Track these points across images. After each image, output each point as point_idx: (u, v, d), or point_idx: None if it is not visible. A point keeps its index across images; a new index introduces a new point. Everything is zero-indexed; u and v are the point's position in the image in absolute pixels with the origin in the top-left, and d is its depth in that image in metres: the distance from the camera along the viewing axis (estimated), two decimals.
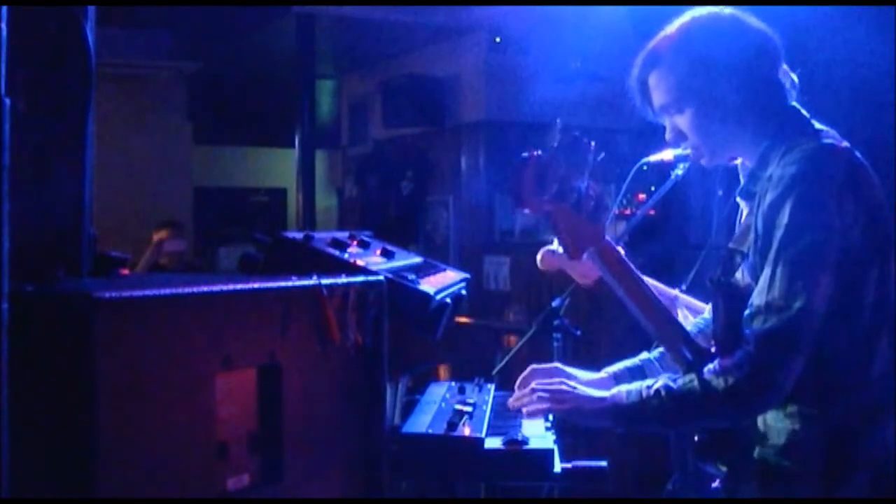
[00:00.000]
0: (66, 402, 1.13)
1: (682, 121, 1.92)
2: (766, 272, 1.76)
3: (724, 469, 1.93)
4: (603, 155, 1.95)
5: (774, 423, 1.83)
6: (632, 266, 1.94)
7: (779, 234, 1.75)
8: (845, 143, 1.85)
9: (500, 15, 6.82)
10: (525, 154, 1.84)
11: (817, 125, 1.90)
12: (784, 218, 1.74)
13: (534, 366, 2.20)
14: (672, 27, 1.95)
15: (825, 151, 1.80)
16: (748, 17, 1.92)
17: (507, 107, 7.18)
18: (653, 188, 2.79)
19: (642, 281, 1.94)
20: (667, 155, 2.36)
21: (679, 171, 2.53)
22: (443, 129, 7.68)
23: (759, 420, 1.86)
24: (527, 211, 1.90)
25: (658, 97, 1.94)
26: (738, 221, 2.00)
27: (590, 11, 5.97)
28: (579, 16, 6.08)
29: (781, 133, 1.86)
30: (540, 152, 1.85)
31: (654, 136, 2.16)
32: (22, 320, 1.08)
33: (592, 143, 1.93)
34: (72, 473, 1.13)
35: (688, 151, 2.03)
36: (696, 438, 1.93)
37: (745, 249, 1.85)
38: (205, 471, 1.31)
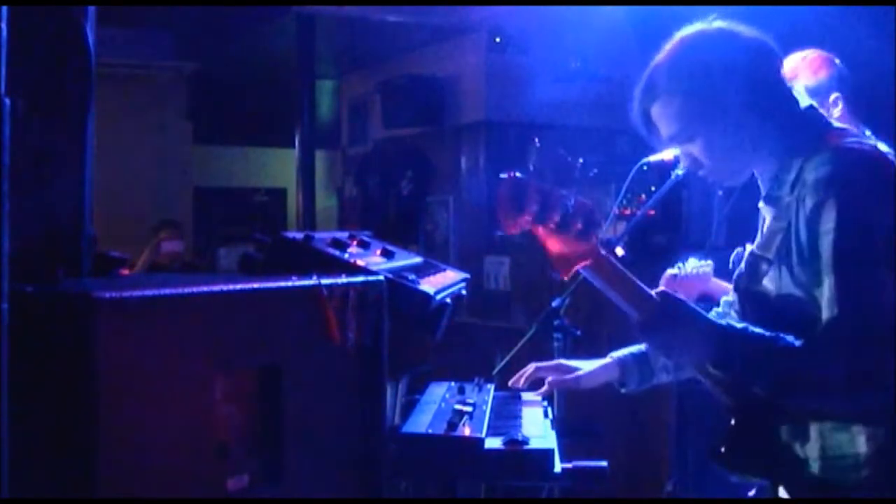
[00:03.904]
0: (66, 402, 1.13)
1: (695, 148, 1.86)
2: (828, 282, 1.68)
3: (756, 480, 1.86)
4: (596, 171, 1.91)
5: (834, 436, 1.75)
6: (629, 274, 1.84)
7: (828, 240, 1.69)
8: (870, 141, 1.80)
9: (500, 15, 6.82)
10: (503, 175, 1.76)
11: (836, 123, 1.84)
12: (829, 223, 1.68)
13: (535, 364, 2.19)
14: (662, 54, 1.89)
15: (856, 151, 1.74)
16: (736, 25, 1.87)
17: (507, 107, 7.18)
18: (653, 188, 2.80)
19: (642, 288, 1.83)
20: (667, 155, 2.36)
21: (679, 171, 2.54)
22: (443, 129, 7.68)
23: (815, 432, 1.77)
24: (500, 233, 1.82)
25: (664, 128, 1.88)
26: (760, 227, 1.92)
27: (590, 11, 5.98)
28: (579, 16, 6.08)
29: (800, 135, 1.81)
30: (518, 173, 1.76)
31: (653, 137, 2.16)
32: (22, 320, 1.08)
33: (580, 160, 1.89)
34: (72, 473, 1.13)
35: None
36: (722, 449, 1.82)
37: (771, 256, 1.79)
38: (205, 471, 1.31)
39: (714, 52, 1.83)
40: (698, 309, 1.76)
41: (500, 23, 7.04)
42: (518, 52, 7.17)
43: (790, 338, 1.68)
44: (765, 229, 1.88)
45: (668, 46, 1.89)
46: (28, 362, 1.10)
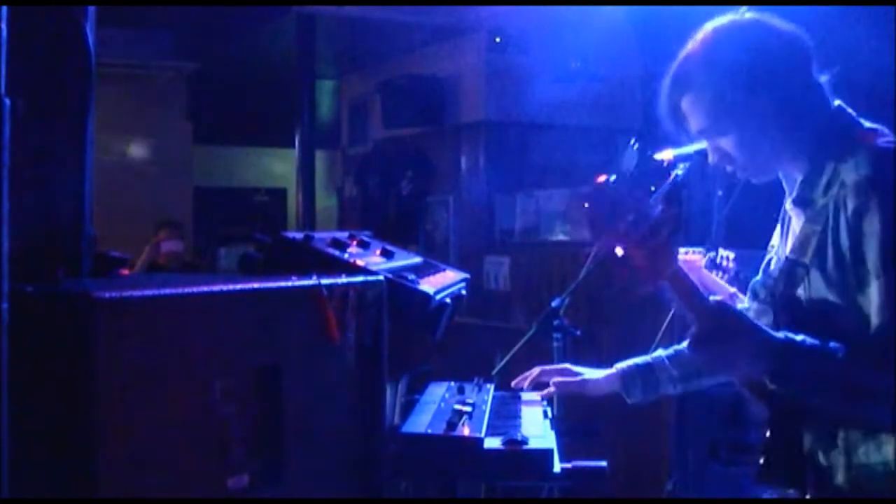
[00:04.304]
0: (66, 402, 1.13)
1: (726, 142, 1.81)
2: (875, 286, 1.64)
3: (790, 491, 1.80)
4: (678, 175, 1.79)
5: (860, 444, 1.71)
6: (695, 284, 1.73)
7: (874, 242, 1.64)
8: None
9: (500, 15, 6.83)
10: (601, 179, 1.66)
11: (867, 123, 1.80)
12: (875, 225, 1.63)
13: (540, 367, 2.17)
14: (694, 44, 1.83)
15: (894, 152, 1.70)
16: (770, 18, 1.81)
17: (507, 107, 7.19)
18: (653, 188, 2.80)
19: (704, 299, 1.71)
20: (667, 155, 2.36)
21: (679, 171, 2.53)
22: (443, 129, 7.68)
23: (841, 440, 1.73)
24: (599, 244, 1.68)
25: (695, 122, 1.82)
26: (788, 231, 1.88)
27: (590, 11, 5.98)
28: (579, 16, 6.08)
29: (831, 135, 1.77)
30: (614, 178, 1.68)
31: (654, 136, 2.15)
32: (22, 320, 1.08)
33: (665, 162, 1.77)
34: (72, 473, 1.13)
35: (689, 150, 2.00)
36: (760, 461, 1.76)
37: (807, 261, 1.74)
38: (205, 471, 1.31)
39: (749, 48, 1.78)
40: (754, 322, 1.68)
41: (500, 23, 7.05)
42: (518, 52, 7.17)
43: (836, 346, 1.62)
44: (792, 233, 1.83)
45: (700, 37, 1.83)
46: (28, 362, 1.10)
